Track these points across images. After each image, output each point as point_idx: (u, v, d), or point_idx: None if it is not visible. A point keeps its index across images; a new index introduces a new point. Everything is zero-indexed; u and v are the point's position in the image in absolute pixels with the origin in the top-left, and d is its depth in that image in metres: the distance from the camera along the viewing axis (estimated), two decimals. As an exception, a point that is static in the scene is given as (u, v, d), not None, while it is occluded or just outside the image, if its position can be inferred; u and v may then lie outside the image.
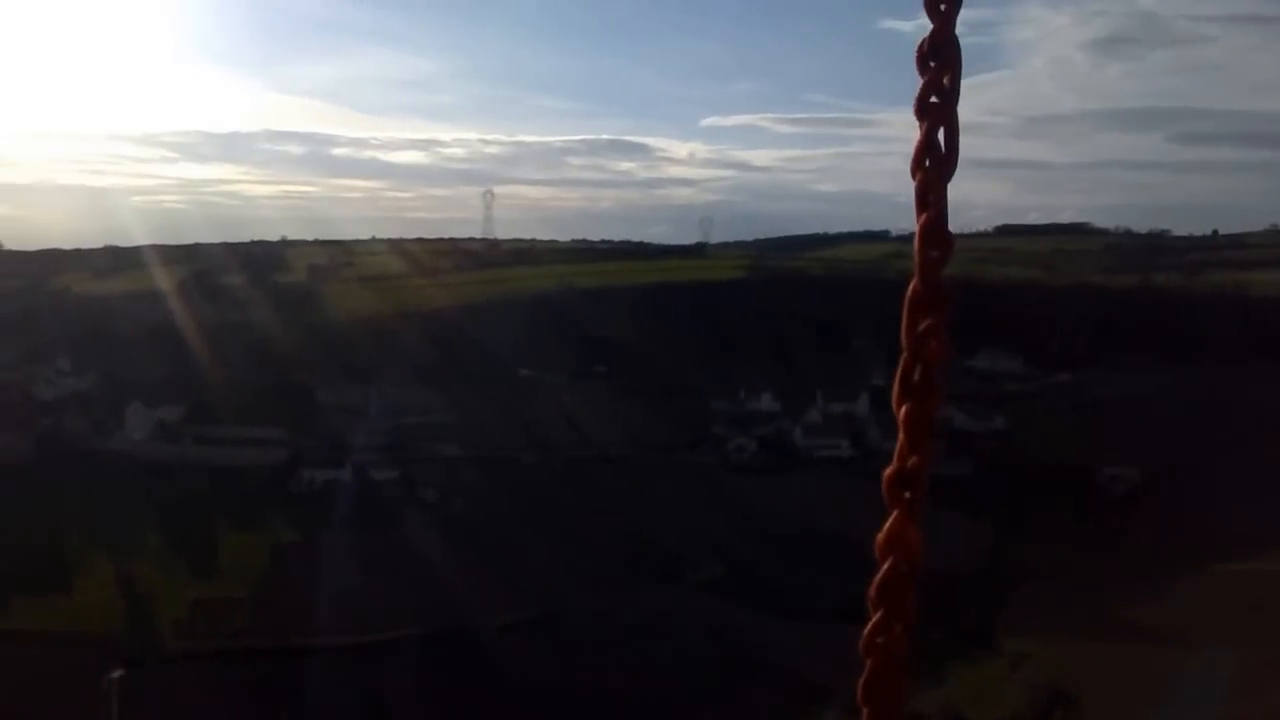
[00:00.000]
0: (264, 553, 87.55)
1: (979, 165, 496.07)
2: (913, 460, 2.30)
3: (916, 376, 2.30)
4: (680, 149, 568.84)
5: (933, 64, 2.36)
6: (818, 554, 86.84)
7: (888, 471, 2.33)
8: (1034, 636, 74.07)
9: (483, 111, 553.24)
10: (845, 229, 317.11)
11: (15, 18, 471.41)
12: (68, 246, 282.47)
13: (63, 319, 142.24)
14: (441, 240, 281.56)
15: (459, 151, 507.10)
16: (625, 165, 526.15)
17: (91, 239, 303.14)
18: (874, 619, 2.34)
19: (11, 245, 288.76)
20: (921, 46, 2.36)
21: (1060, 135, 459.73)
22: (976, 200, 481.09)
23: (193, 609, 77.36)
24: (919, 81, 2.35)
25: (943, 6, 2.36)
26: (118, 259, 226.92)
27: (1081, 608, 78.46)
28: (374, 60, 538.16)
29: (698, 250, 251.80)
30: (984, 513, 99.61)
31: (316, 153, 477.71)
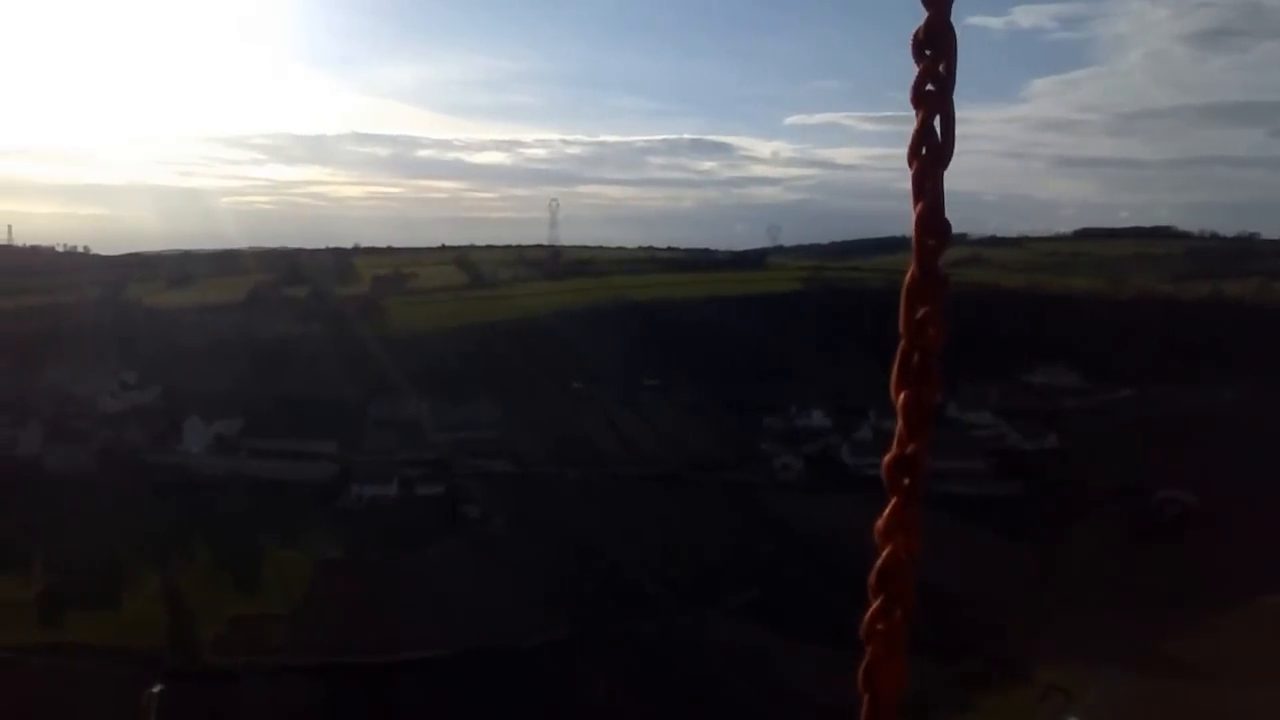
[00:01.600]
0: (308, 569, 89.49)
1: (1068, 164, 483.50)
2: (911, 447, 2.37)
3: (915, 364, 2.37)
4: (763, 148, 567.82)
5: (928, 52, 2.37)
6: (858, 578, 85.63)
7: (887, 458, 2.40)
8: (1068, 668, 72.39)
9: (564, 112, 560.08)
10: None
11: (109, 22, 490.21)
12: (150, 250, 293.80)
13: (131, 331, 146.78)
14: (509, 248, 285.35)
15: (540, 152, 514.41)
16: (707, 165, 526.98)
17: (179, 241, 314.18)
18: (874, 605, 2.42)
19: (99, 249, 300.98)
20: (917, 35, 2.36)
21: (1155, 132, 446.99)
22: (1065, 199, 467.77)
23: (233, 625, 79.55)
24: (915, 70, 2.37)
25: None
26: (194, 265, 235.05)
27: (1122, 639, 76.49)
28: (456, 62, 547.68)
29: (757, 260, 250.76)
30: (1029, 535, 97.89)
31: (401, 154, 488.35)
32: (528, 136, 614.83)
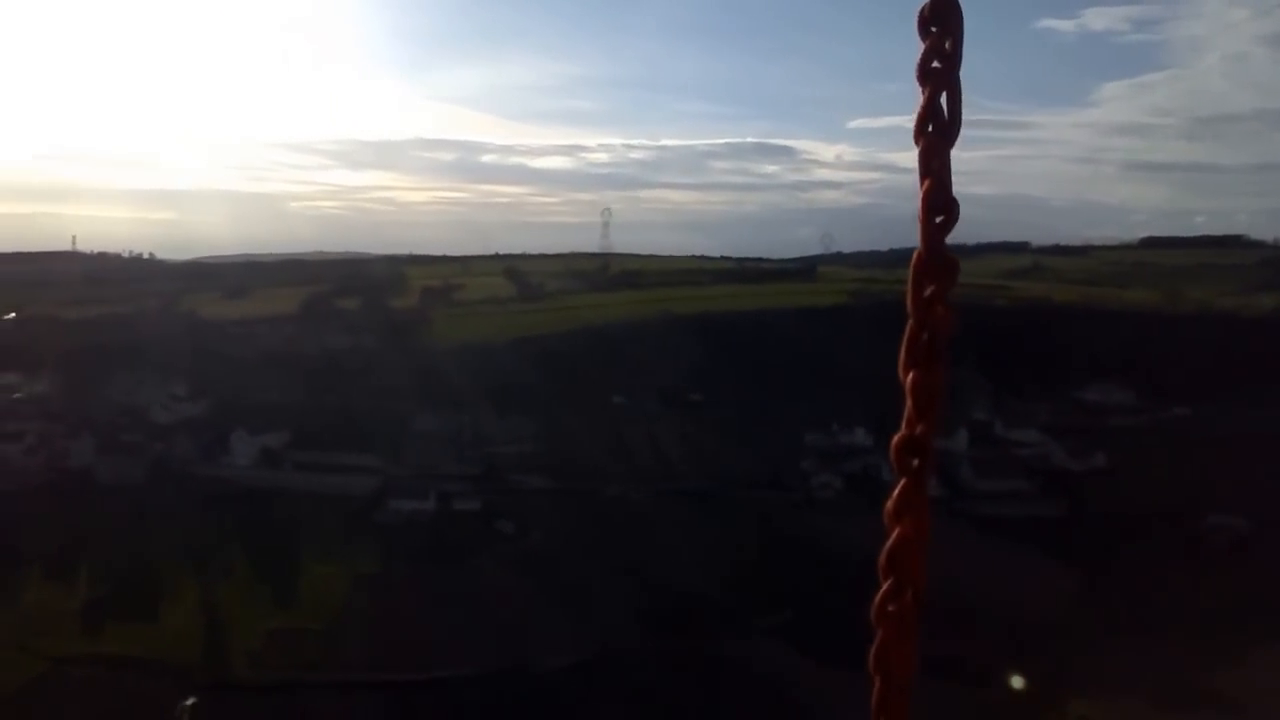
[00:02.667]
0: (345, 584, 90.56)
1: (1141, 169, 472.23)
2: (920, 428, 2.43)
3: (923, 344, 2.41)
4: (827, 151, 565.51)
5: (934, 29, 2.38)
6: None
7: (895, 439, 2.47)
8: (1098, 698, 70.85)
9: (626, 116, 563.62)
10: (992, 236, 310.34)
11: (178, 27, 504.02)
12: (214, 256, 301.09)
13: (185, 343, 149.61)
14: (560, 257, 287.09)
15: (603, 157, 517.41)
16: (770, 168, 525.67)
17: (247, 245, 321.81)
18: (884, 587, 2.46)
19: (166, 254, 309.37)
20: (923, 11, 2.38)
21: (1233, 136, 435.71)
22: (1137, 205, 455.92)
23: (268, 640, 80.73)
24: (920, 46, 2.39)
25: None
26: (254, 274, 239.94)
27: (1162, 670, 74.58)
28: (519, 67, 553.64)
29: (808, 271, 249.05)
30: (1071, 559, 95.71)
31: (465, 159, 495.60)
32: (590, 141, 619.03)
